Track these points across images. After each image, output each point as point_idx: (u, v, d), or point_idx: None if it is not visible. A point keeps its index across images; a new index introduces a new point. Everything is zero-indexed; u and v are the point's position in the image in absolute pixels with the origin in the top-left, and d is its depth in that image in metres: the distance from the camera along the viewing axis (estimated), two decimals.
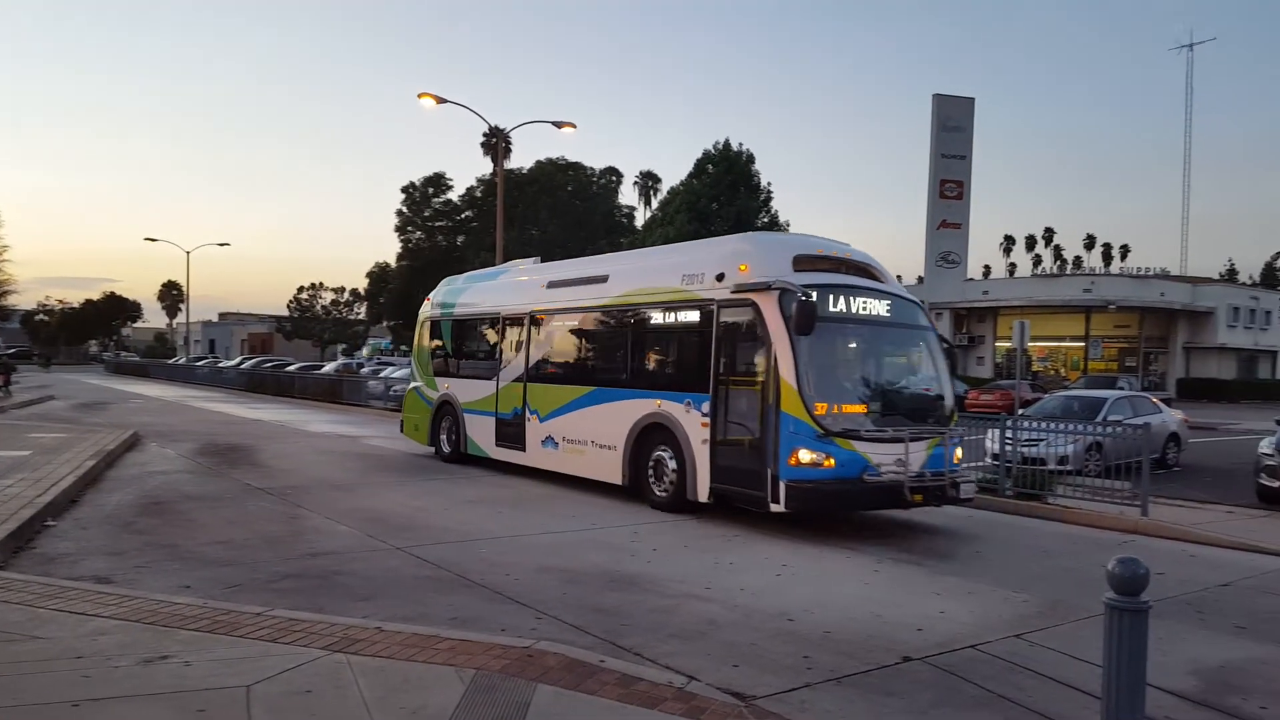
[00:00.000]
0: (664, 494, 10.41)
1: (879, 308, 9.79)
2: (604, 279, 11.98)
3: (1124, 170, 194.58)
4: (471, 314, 14.97)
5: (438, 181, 58.31)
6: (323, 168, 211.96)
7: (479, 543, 8.46)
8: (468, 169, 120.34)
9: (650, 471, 10.61)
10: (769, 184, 39.78)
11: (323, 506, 10.25)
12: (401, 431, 16.64)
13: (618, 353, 11.63)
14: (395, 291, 57.56)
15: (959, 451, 10.06)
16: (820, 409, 8.91)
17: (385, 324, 68.64)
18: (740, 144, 39.68)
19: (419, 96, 24.23)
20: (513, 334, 13.65)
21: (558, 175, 51.50)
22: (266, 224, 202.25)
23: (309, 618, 5.45)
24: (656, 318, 10.91)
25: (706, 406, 9.79)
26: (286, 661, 4.62)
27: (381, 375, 31.71)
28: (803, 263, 9.77)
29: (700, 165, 39.00)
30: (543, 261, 15.40)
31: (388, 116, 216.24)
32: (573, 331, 12.53)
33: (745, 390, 9.53)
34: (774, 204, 40.31)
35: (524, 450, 12.92)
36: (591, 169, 53.63)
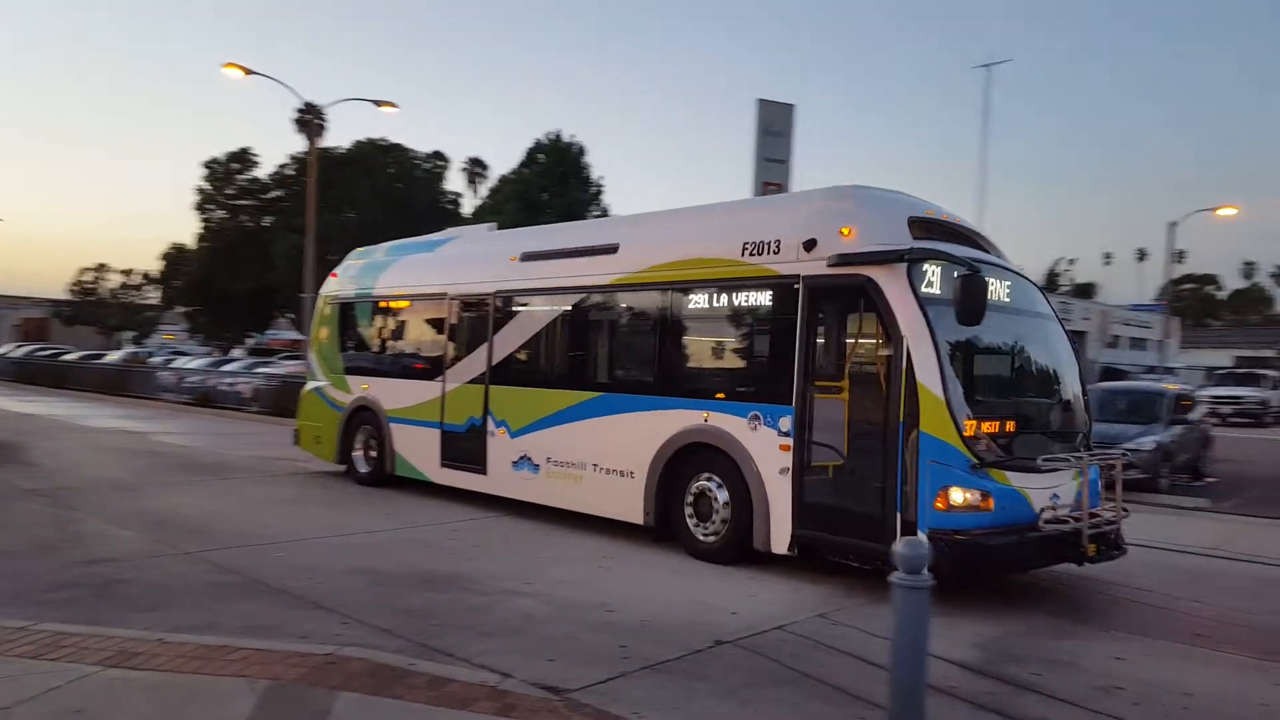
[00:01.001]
0: (711, 539, 7.79)
1: (1011, 291, 7.45)
2: (612, 249, 9.01)
3: (926, 179, 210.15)
4: (402, 294, 11.67)
5: (243, 157, 54.88)
6: (115, 140, 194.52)
7: (284, 545, 8.05)
8: (279, 147, 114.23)
9: (690, 509, 7.97)
10: (601, 178, 40.13)
11: (102, 509, 9.44)
12: (296, 443, 13.05)
13: (637, 348, 9.02)
14: (192, 275, 53.73)
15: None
16: (969, 428, 6.48)
17: (179, 310, 63.90)
18: (572, 135, 39.79)
19: (224, 67, 22.71)
20: (466, 321, 10.66)
21: (379, 156, 49.69)
22: (47, 199, 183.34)
23: (81, 631, 5.02)
24: (699, 301, 8.20)
25: (787, 422, 7.18)
26: (53, 679, 4.23)
27: (173, 366, 29.51)
28: (917, 228, 7.26)
29: (531, 155, 38.81)
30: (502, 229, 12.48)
31: (192, 88, 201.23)
32: (563, 319, 9.56)
33: (855, 401, 7.10)
34: (605, 198, 40.70)
35: (484, 473, 9.93)
36: (416, 152, 52.14)
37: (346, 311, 12.52)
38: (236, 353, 44.49)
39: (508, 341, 10.01)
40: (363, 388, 11.81)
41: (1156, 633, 6.28)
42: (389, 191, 47.81)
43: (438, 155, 52.93)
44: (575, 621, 5.94)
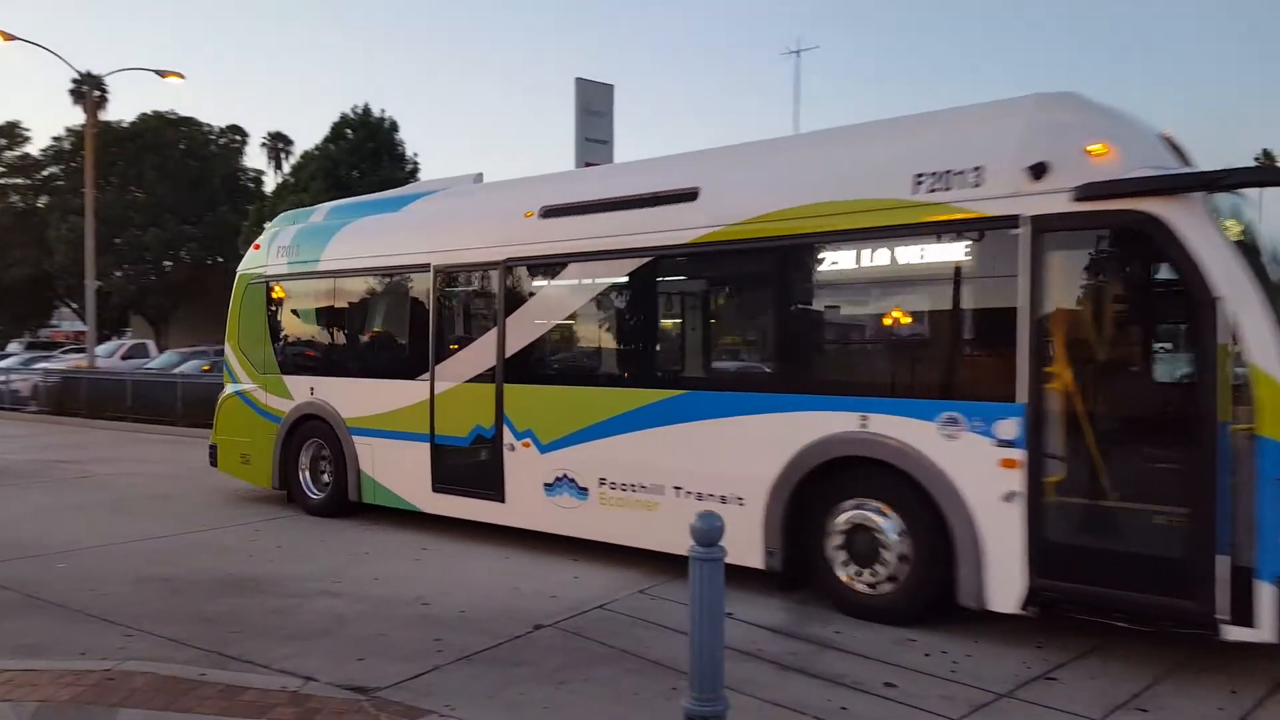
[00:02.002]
0: (879, 590, 5.79)
1: None
2: (689, 196, 6.70)
3: None
4: (361, 267, 9.08)
5: (11, 132, 49.52)
6: None
7: (67, 555, 7.40)
8: (54, 121, 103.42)
9: (841, 548, 5.95)
10: (415, 154, 38.97)
11: None
12: (213, 464, 10.38)
13: (744, 329, 7.14)
14: None
15: None
16: None
17: None
18: (383, 110, 38.37)
19: None
20: (461, 300, 8.51)
21: (167, 130, 46.09)
22: None
23: None
24: (843, 261, 6.07)
25: (1012, 427, 5.19)
26: None
27: None
28: (1169, 149, 5.37)
29: (338, 130, 37.08)
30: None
31: None
32: (617, 293, 7.38)
33: (1130, 393, 5.38)
34: (421, 175, 39.58)
35: (500, 499, 7.73)
36: (210, 126, 48.79)
37: (279, 293, 9.88)
38: (14, 346, 40.18)
39: (529, 326, 7.72)
40: (309, 390, 9.31)
41: None
42: (180, 169, 44.56)
43: (235, 130, 49.82)
44: (388, 618, 5.80)
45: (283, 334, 9.92)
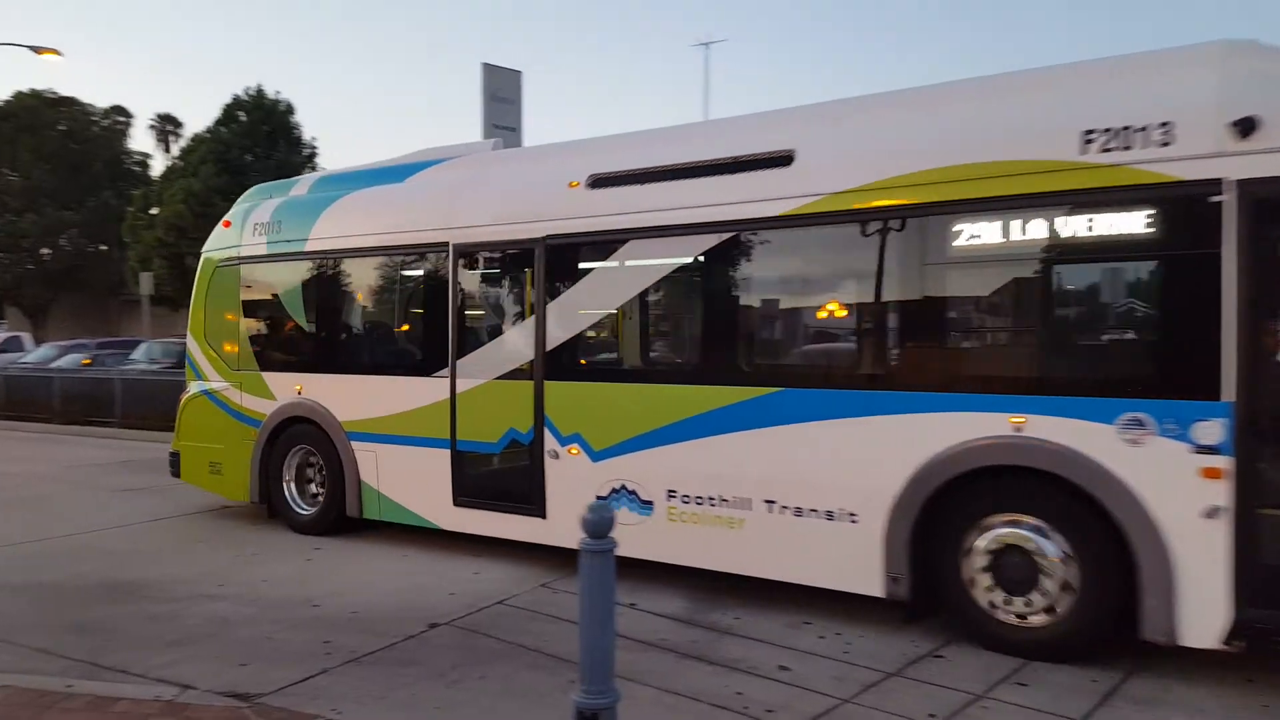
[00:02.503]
0: (1027, 620, 5.04)
1: None
2: (782, 160, 5.78)
3: None
4: (362, 246, 7.89)
5: None
6: None
7: None
8: None
9: (985, 571, 5.13)
10: (314, 138, 37.83)
11: None
12: (176, 474, 9.04)
13: (852, 313, 5.87)
14: None
15: None
16: None
17: None
18: (278, 92, 37.12)
19: None
20: (489, 284, 7.61)
21: (45, 111, 43.61)
22: None
23: None
24: (989, 232, 5.15)
25: (1215, 430, 4.47)
26: None
27: None
28: None
29: (230, 112, 35.70)
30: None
31: None
32: (689, 274, 6.42)
33: None
34: (321, 160, 38.47)
35: (540, 514, 6.75)
36: (92, 107, 46.34)
37: (257, 277, 8.65)
38: None
39: (575, 313, 6.76)
40: (296, 390, 8.15)
41: None
42: (60, 151, 42.30)
43: (119, 110, 47.42)
44: (275, 621, 5.63)
45: (262, 325, 8.73)
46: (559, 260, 6.75)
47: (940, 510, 5.20)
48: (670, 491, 6.15)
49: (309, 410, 8.03)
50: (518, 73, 29.94)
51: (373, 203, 7.90)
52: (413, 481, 7.46)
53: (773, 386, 5.79)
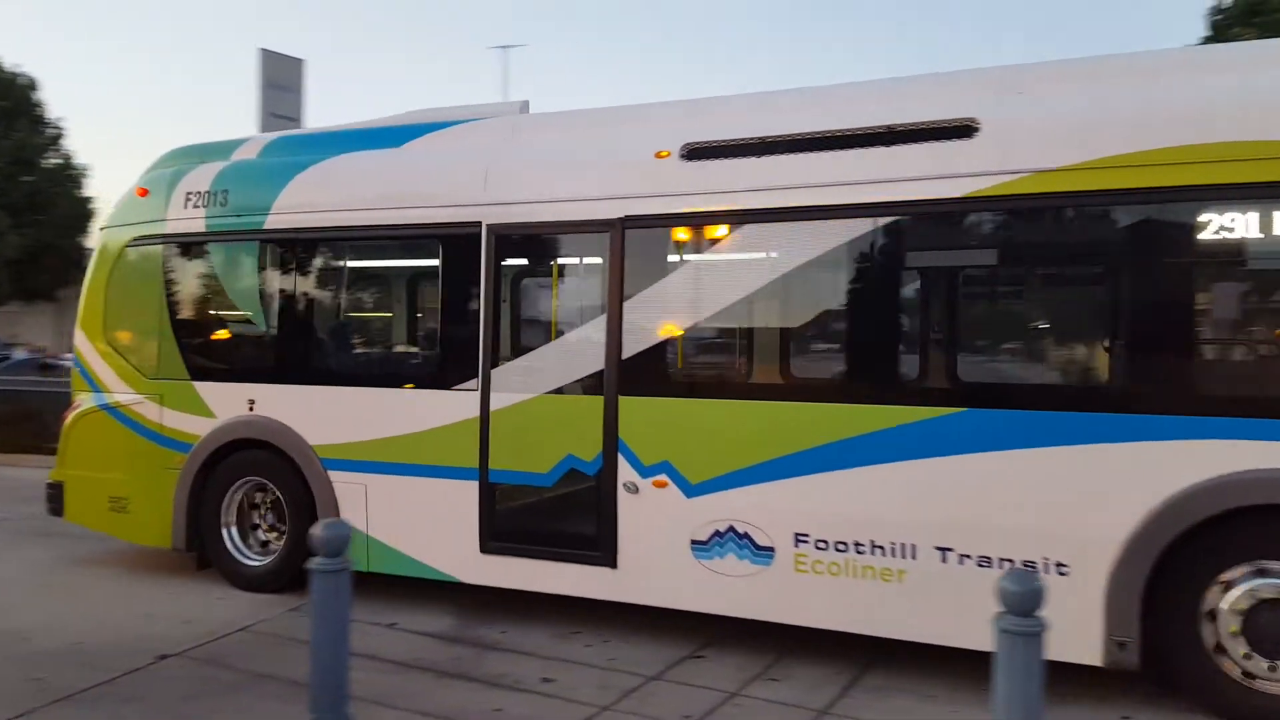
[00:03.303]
0: None
1: None
2: (960, 131, 4.78)
3: None
4: (351, 225, 6.27)
5: None
6: None
7: None
8: None
9: (1239, 634, 4.29)
10: (61, 118, 34.25)
11: None
12: (56, 512, 6.98)
13: (1063, 317, 5.12)
14: None
15: None
16: None
17: None
18: (17, 65, 33.34)
19: None
20: (541, 272, 6.34)
21: None
22: None
23: None
24: (1272, 222, 4.31)
25: None
26: None
27: None
28: None
29: None
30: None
31: None
32: (827, 265, 5.13)
33: None
34: (68, 142, 34.82)
35: (611, 564, 5.39)
36: None
37: (192, 260, 6.80)
38: None
39: (664, 312, 5.41)
40: (245, 405, 6.38)
41: None
42: None
43: None
44: None
45: (197, 322, 6.82)
46: (642, 247, 5.45)
47: (1178, 559, 4.32)
48: (800, 535, 4.97)
49: (265, 431, 6.25)
50: (299, 60, 28.29)
51: (363, 171, 6.28)
52: (421, 522, 5.88)
53: (953, 406, 4.70)
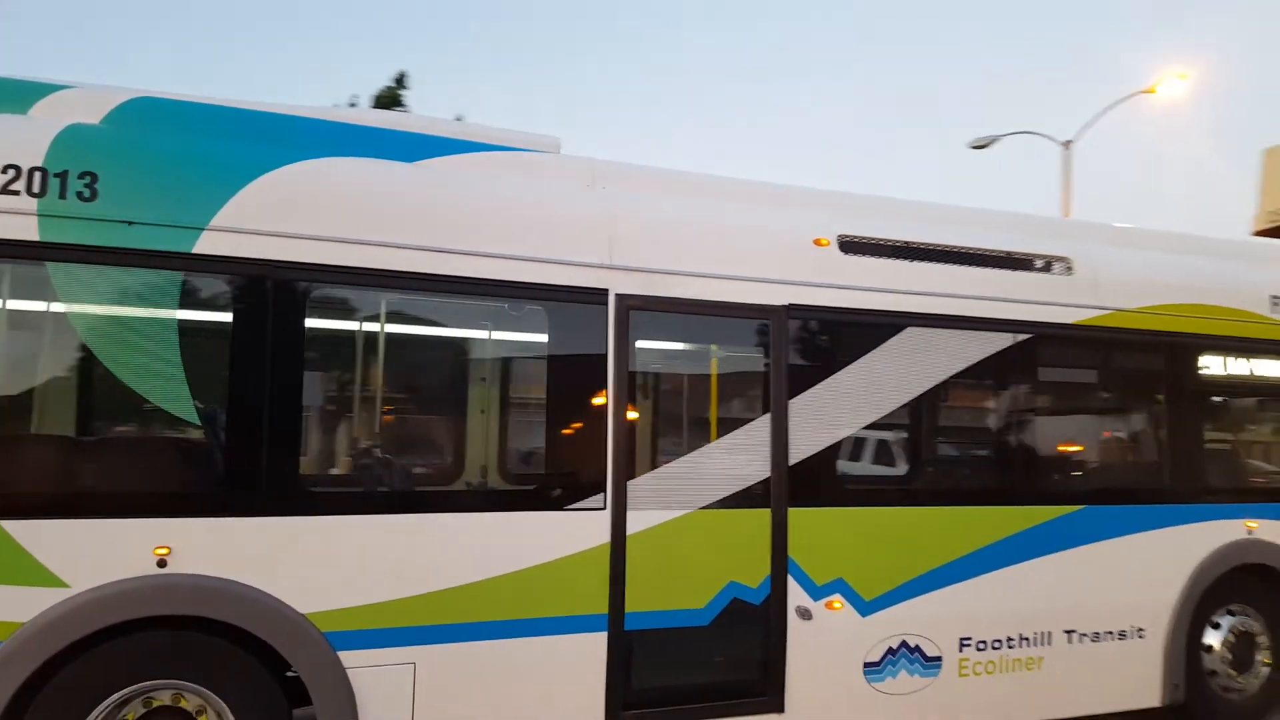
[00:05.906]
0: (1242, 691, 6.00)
1: None
2: (1063, 266, 5.59)
3: None
4: (384, 269, 4.14)
5: None
6: None
7: None
8: None
9: (1230, 663, 5.96)
10: None
11: None
12: None
13: (1147, 433, 6.11)
14: None
15: None
16: None
17: None
18: None
19: None
20: (688, 359, 5.40)
21: None
22: None
23: None
24: (1249, 368, 6.21)
25: None
26: None
27: None
28: None
29: None
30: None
31: None
32: (983, 373, 5.36)
33: None
34: None
35: (779, 707, 4.67)
36: None
37: (44, 289, 3.78)
38: None
39: (834, 412, 4.94)
40: (153, 557, 3.66)
41: None
42: None
43: None
44: None
45: (56, 403, 3.97)
46: (808, 339, 4.96)
47: (1199, 610, 5.74)
48: (964, 640, 5.03)
49: (201, 601, 3.70)
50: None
51: (389, 190, 4.28)
52: (511, 703, 4.23)
53: (1076, 505, 5.41)
